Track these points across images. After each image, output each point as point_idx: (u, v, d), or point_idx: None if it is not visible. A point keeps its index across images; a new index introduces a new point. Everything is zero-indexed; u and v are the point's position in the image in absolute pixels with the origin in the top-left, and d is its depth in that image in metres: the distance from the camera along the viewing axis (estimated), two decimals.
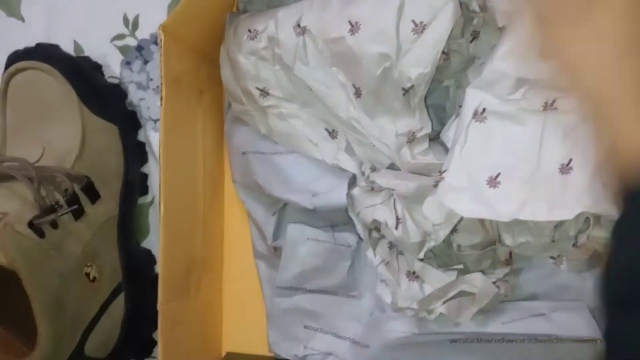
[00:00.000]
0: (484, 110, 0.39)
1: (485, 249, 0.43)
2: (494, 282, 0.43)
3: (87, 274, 0.42)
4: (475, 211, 0.38)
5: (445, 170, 0.39)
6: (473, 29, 0.40)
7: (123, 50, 0.51)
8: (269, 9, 0.44)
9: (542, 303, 0.44)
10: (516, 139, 0.38)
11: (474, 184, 0.38)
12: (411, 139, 0.41)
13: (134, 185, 0.48)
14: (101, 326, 0.43)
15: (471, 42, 0.40)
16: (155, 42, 0.50)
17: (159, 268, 0.41)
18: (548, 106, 0.38)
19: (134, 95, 0.51)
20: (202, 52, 0.46)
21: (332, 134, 0.44)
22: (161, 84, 0.40)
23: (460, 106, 0.41)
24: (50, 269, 0.39)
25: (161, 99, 0.40)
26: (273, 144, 0.46)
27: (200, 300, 0.46)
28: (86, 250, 0.42)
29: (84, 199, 0.43)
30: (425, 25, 0.37)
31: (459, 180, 0.38)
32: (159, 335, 0.40)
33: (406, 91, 0.39)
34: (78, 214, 0.42)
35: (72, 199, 0.42)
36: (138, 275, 0.47)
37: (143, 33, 0.51)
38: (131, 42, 0.51)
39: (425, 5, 0.36)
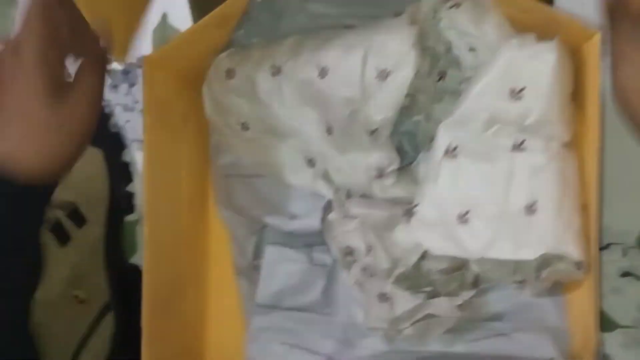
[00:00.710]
0: (455, 147, 0.41)
1: (453, 273, 0.45)
2: (460, 304, 0.45)
3: (76, 296, 0.45)
4: (445, 248, 0.40)
5: (417, 205, 0.41)
6: (439, 70, 0.42)
7: (110, 73, 0.52)
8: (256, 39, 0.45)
9: (505, 323, 0.46)
10: (485, 177, 0.40)
11: (445, 220, 0.40)
12: (380, 174, 0.43)
13: (120, 205, 0.51)
14: (91, 345, 0.46)
15: (438, 81, 0.42)
16: (141, 66, 0.52)
17: (142, 287, 0.43)
18: (516, 147, 0.40)
19: (120, 117, 0.52)
20: (189, 78, 0.47)
21: (311, 162, 0.46)
22: (144, 113, 0.42)
23: (432, 139, 0.43)
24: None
25: (144, 127, 0.42)
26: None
27: (184, 315, 0.49)
28: (74, 273, 0.45)
29: (69, 224, 0.45)
30: (388, 72, 0.38)
31: (431, 215, 0.40)
32: (142, 352, 0.43)
33: (372, 132, 0.41)
34: (64, 240, 0.45)
35: (56, 227, 0.44)
36: (126, 292, 0.49)
37: (129, 57, 0.52)
38: (117, 66, 0.52)
39: (389, 53, 0.38)
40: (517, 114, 0.39)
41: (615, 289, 0.44)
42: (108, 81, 0.52)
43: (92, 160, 0.49)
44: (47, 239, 0.43)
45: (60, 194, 0.46)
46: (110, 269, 0.48)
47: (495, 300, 0.47)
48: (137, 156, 0.52)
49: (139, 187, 0.52)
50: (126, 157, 0.52)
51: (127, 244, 0.52)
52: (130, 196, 0.52)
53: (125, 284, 0.50)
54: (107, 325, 0.47)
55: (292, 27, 0.43)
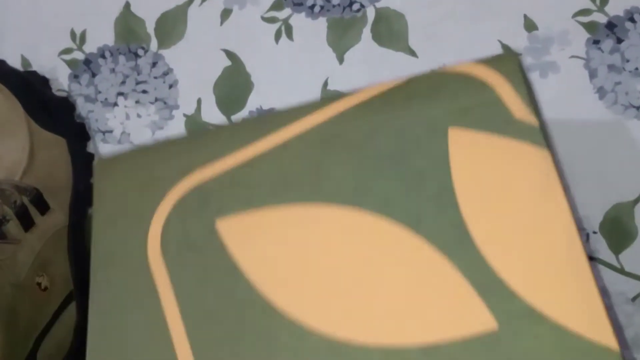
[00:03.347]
0: None
1: None
2: None
3: (39, 284, 0.43)
4: None
5: None
6: None
7: (71, 64, 0.52)
8: None
9: None
10: None
11: None
12: None
13: (84, 195, 0.50)
14: (54, 334, 0.44)
15: None
16: (103, 56, 0.52)
17: None
18: None
19: (83, 108, 0.52)
20: None
21: None
22: None
23: None
24: (1, 279, 0.40)
25: None
26: None
27: None
28: (37, 260, 0.44)
29: (33, 210, 0.44)
30: None
31: None
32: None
33: None
34: (28, 225, 0.43)
35: (21, 211, 0.43)
36: (89, 283, 0.48)
37: (90, 47, 0.52)
38: (79, 55, 0.52)
39: None
40: None
41: None
42: (69, 71, 0.52)
43: (57, 148, 0.48)
44: (13, 224, 0.42)
45: (25, 178, 0.45)
46: (74, 259, 0.47)
47: None
48: (100, 148, 0.52)
49: None
50: (90, 148, 0.52)
51: (90, 236, 0.51)
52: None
53: (87, 275, 0.48)
54: (70, 315, 0.46)
55: None
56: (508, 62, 0.37)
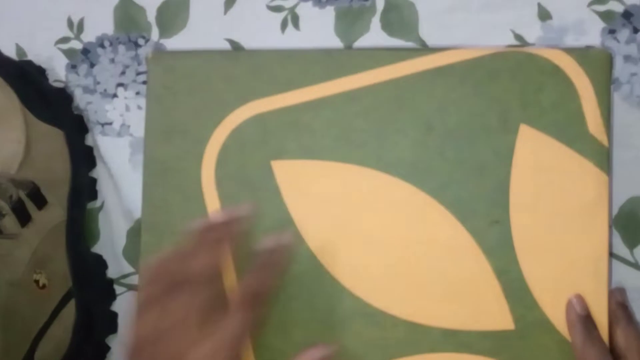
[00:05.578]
0: None
1: None
2: None
3: (37, 281, 0.42)
4: None
5: None
6: None
7: (68, 53, 0.50)
8: None
9: None
10: None
11: None
12: None
13: (83, 190, 0.48)
14: (52, 333, 0.43)
15: None
16: (102, 45, 0.50)
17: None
18: None
19: (81, 99, 0.50)
20: None
21: None
22: None
23: None
24: None
25: None
26: None
27: None
28: (35, 256, 0.42)
29: (30, 205, 0.42)
30: None
31: None
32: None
33: None
34: (25, 220, 0.42)
35: (18, 206, 0.41)
36: (89, 280, 0.46)
37: (88, 36, 0.50)
38: (76, 45, 0.50)
39: None
40: None
41: None
42: (66, 61, 0.50)
43: (54, 140, 0.46)
44: (9, 219, 0.40)
45: (21, 172, 0.43)
46: (73, 255, 0.45)
47: None
48: (99, 141, 0.50)
49: (102, 172, 0.50)
50: (89, 141, 0.50)
51: (89, 232, 0.49)
52: (93, 182, 0.50)
53: (87, 272, 0.47)
54: (69, 314, 0.44)
55: None
56: (598, 65, 0.38)
